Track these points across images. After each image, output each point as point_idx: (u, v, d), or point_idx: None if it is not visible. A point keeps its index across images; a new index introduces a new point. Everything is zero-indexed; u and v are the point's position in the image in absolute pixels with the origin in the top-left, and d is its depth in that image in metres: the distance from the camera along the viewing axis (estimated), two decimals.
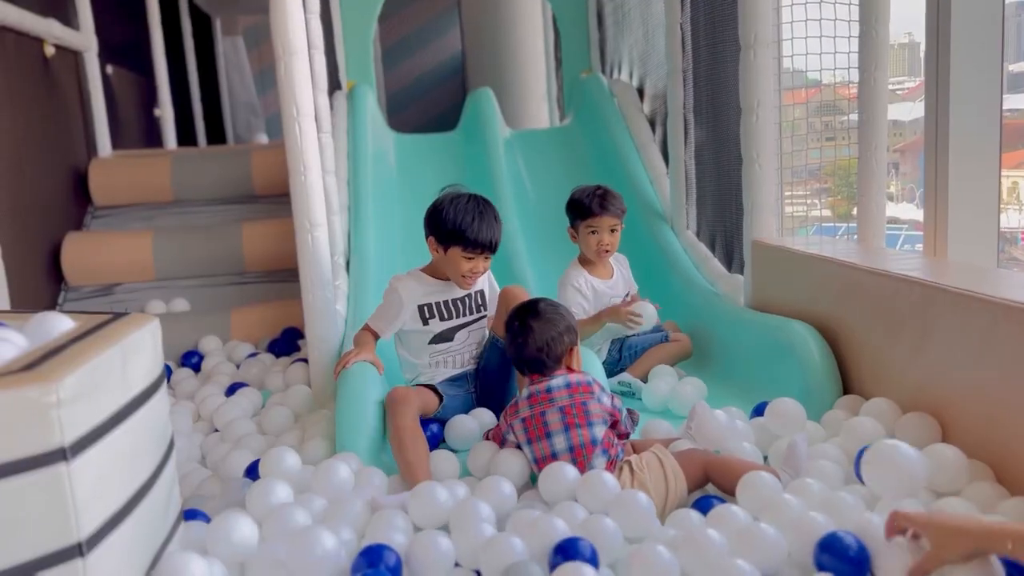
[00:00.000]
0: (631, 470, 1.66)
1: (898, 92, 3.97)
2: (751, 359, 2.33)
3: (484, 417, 2.08)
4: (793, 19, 2.75)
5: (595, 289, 2.52)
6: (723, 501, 1.57)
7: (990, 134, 2.22)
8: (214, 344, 3.05)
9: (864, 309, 2.04)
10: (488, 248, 2.17)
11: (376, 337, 2.25)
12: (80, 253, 3.42)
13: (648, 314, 2.44)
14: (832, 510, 1.43)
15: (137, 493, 1.17)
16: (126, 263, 3.45)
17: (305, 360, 2.59)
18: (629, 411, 1.85)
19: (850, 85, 2.67)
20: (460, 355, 2.23)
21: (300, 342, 2.98)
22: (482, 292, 2.30)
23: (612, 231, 2.53)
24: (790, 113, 2.87)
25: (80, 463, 1.01)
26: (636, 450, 1.78)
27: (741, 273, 2.73)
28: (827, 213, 3.21)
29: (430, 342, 2.20)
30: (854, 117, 2.61)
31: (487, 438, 1.91)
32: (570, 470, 1.64)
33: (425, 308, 2.22)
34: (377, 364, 2.18)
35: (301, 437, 2.11)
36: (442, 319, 2.22)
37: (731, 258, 2.94)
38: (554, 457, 1.70)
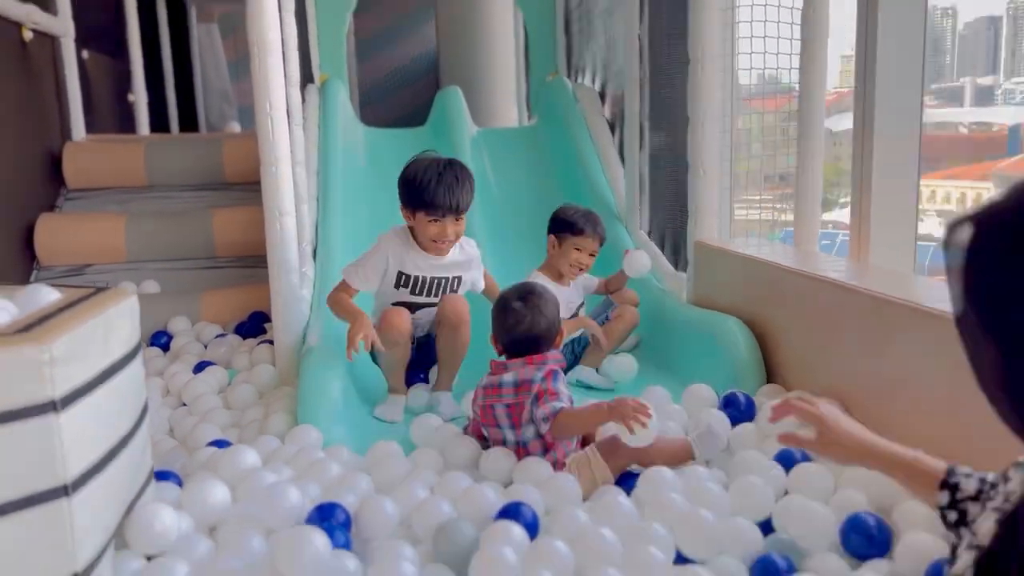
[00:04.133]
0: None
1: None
2: (688, 351, 2.52)
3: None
4: (753, 33, 2.95)
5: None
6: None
7: (911, 148, 2.42)
8: (183, 325, 3.17)
9: (787, 306, 2.23)
10: (451, 210, 2.16)
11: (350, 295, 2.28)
12: (53, 234, 3.51)
13: (642, 263, 2.65)
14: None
15: (116, 446, 1.31)
16: (98, 245, 3.54)
17: (271, 342, 2.73)
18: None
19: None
20: (416, 323, 2.36)
21: (266, 325, 3.10)
22: (460, 278, 2.38)
23: (591, 255, 2.64)
24: (764, 118, 3.03)
25: (68, 415, 1.16)
26: (587, 441, 1.91)
27: (685, 271, 2.91)
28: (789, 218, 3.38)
29: (394, 303, 2.32)
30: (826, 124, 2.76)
31: (466, 432, 1.98)
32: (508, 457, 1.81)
33: (403, 276, 2.28)
34: (375, 338, 2.17)
35: (265, 412, 2.26)
36: (412, 292, 2.31)
37: (678, 257, 3.12)
38: (504, 444, 1.85)
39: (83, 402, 1.20)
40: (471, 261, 2.45)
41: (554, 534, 1.47)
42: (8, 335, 1.15)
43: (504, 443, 1.85)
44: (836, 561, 1.39)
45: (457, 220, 2.21)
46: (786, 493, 1.63)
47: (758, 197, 3.07)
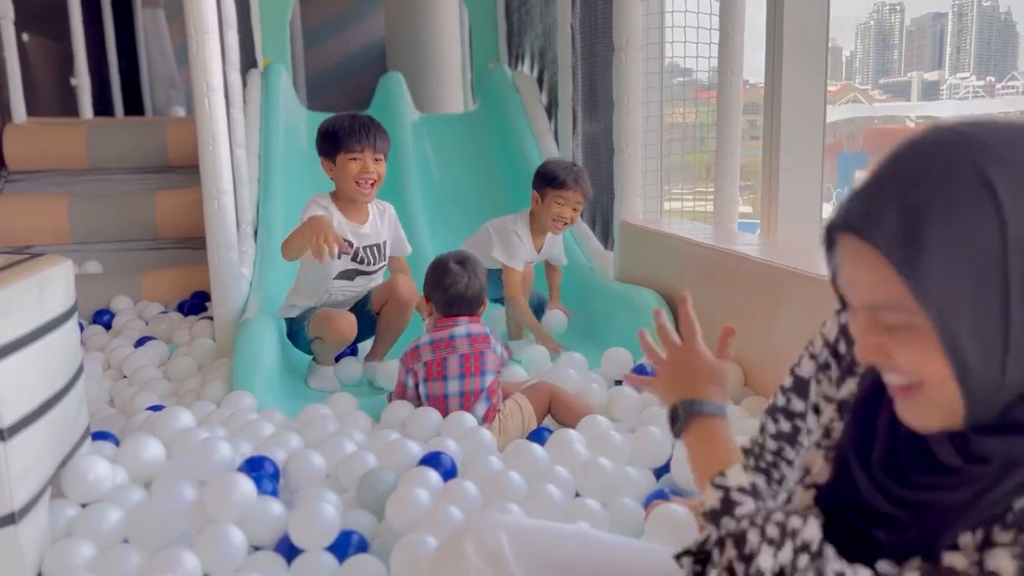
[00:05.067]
0: (499, 418, 1.97)
1: None
2: (610, 321, 2.67)
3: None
4: (674, 24, 3.10)
5: (527, 247, 2.74)
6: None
7: (815, 140, 2.59)
8: (125, 303, 3.22)
9: (697, 278, 2.39)
10: (369, 145, 2.29)
11: None
12: None
13: (557, 321, 2.72)
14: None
15: (51, 399, 1.40)
16: (42, 226, 3.58)
17: (212, 318, 2.80)
18: (505, 346, 2.12)
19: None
20: (352, 293, 2.47)
21: (208, 303, 3.18)
22: (386, 242, 2.49)
23: (575, 208, 2.70)
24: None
25: (3, 365, 1.25)
26: (505, 393, 2.07)
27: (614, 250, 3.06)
28: (748, 210, 3.54)
29: (335, 277, 2.40)
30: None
31: (390, 400, 2.09)
32: (433, 414, 1.93)
33: (346, 242, 2.35)
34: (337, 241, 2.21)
35: (202, 381, 2.34)
36: (353, 260, 2.41)
37: (607, 236, 3.27)
38: (445, 399, 1.97)
39: (17, 355, 1.29)
40: (388, 221, 2.52)
41: (468, 478, 1.60)
42: None
43: (446, 396, 1.97)
44: None
45: (376, 160, 2.32)
46: None
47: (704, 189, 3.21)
